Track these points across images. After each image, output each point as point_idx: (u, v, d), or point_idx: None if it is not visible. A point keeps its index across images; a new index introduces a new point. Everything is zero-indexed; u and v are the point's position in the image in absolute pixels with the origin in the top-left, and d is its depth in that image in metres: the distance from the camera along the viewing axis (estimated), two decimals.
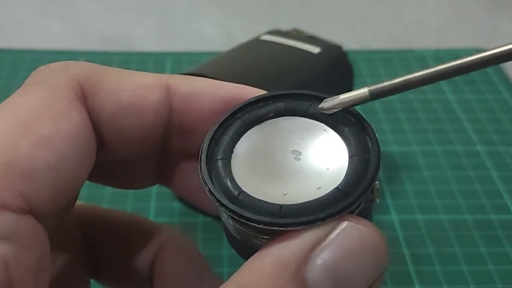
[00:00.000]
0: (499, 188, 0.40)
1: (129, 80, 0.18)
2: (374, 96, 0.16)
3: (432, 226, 0.37)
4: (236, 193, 0.17)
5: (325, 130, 0.18)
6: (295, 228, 0.16)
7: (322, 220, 0.16)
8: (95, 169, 0.19)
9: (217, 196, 0.16)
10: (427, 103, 0.48)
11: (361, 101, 0.17)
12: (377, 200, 0.17)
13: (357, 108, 0.51)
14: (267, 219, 0.16)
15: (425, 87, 0.56)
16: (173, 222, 0.37)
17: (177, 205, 0.38)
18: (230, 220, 0.18)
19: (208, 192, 0.17)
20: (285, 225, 0.16)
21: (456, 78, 0.54)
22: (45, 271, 0.16)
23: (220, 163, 0.17)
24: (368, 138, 0.17)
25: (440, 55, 0.54)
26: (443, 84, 0.50)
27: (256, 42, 0.38)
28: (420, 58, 0.54)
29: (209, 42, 0.58)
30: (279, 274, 0.15)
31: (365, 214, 0.17)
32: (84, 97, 0.17)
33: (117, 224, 0.24)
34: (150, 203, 0.38)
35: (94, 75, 0.18)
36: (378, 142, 0.17)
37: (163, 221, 0.37)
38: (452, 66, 0.16)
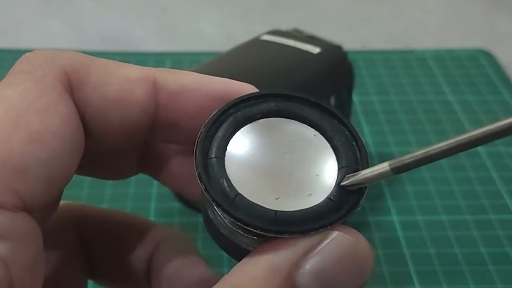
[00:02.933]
0: (499, 188, 0.40)
1: (116, 73, 0.18)
2: (396, 170, 0.16)
3: (432, 227, 0.37)
4: (232, 195, 0.17)
5: (315, 135, 0.18)
6: (289, 236, 0.16)
7: (316, 230, 0.16)
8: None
9: (214, 196, 0.17)
10: (428, 104, 0.48)
11: (383, 176, 0.16)
12: (359, 208, 0.18)
13: (356, 109, 0.51)
14: (264, 225, 0.16)
15: (425, 87, 0.56)
16: (173, 222, 0.37)
17: (177, 205, 0.38)
18: (219, 217, 0.18)
19: (204, 191, 0.17)
20: (281, 232, 0.16)
21: (456, 78, 0.54)
22: (40, 267, 0.16)
23: (214, 161, 0.17)
24: (357, 148, 0.18)
25: (440, 55, 0.54)
26: (444, 85, 0.50)
27: (256, 42, 0.38)
28: (420, 58, 0.54)
29: (209, 42, 0.58)
30: (271, 280, 0.15)
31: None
32: (71, 88, 0.17)
33: (112, 224, 0.24)
34: (150, 203, 0.38)
35: (81, 66, 0.18)
36: (367, 152, 0.18)
37: (163, 221, 0.37)
38: (477, 134, 0.15)
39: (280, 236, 0.16)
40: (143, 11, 0.63)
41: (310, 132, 0.18)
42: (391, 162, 0.16)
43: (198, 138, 0.18)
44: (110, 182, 0.40)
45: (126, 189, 0.39)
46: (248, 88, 0.19)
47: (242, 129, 0.18)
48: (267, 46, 0.37)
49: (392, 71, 0.52)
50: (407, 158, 0.16)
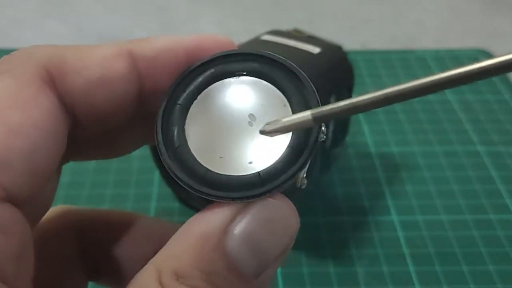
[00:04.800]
0: (499, 188, 0.40)
1: (92, 55, 0.18)
2: (317, 119, 0.16)
3: (432, 227, 0.37)
4: (177, 144, 0.17)
5: (285, 105, 0.18)
6: (213, 199, 0.17)
7: (239, 200, 0.17)
8: (78, 148, 0.19)
9: (159, 141, 0.17)
10: (428, 103, 0.48)
11: (304, 125, 0.17)
12: (302, 187, 0.18)
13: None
14: (190, 183, 0.17)
15: None
16: (173, 222, 0.37)
17: (177, 205, 0.38)
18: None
19: (155, 139, 0.17)
20: (206, 194, 0.17)
21: None
22: (26, 258, 0.16)
23: (178, 108, 0.18)
24: (313, 133, 0.18)
25: (440, 55, 0.54)
26: None
27: (256, 42, 0.38)
28: (420, 58, 0.54)
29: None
30: (203, 246, 0.17)
31: (287, 194, 0.18)
32: (53, 80, 0.18)
33: (113, 224, 0.24)
34: (151, 203, 0.38)
35: (58, 56, 0.18)
36: (317, 141, 0.17)
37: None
38: (405, 88, 0.15)
39: (206, 197, 0.17)
40: (143, 11, 0.63)
41: (281, 101, 0.18)
42: (313, 110, 0.16)
43: (173, 82, 0.18)
44: (111, 182, 0.40)
45: (127, 189, 0.39)
46: (225, 41, 0.19)
47: (219, 82, 0.18)
48: (267, 46, 0.37)
49: (392, 71, 0.52)
50: (332, 106, 0.16)
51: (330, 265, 0.35)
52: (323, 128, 0.17)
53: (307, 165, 0.17)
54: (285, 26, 0.41)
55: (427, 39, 0.59)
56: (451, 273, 0.34)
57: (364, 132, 0.45)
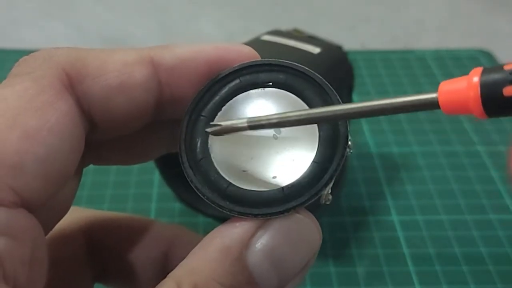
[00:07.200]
0: (499, 188, 0.40)
1: (113, 60, 0.18)
2: (251, 127, 0.17)
3: (432, 227, 0.37)
4: (200, 156, 0.17)
5: None
6: (235, 215, 0.17)
7: (262, 216, 0.17)
8: (98, 152, 0.19)
9: (181, 151, 0.17)
10: None
11: (240, 129, 0.17)
12: (327, 203, 0.18)
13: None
14: (212, 197, 0.17)
15: (425, 87, 0.56)
16: (174, 222, 0.37)
17: (177, 205, 0.38)
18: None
19: (178, 150, 0.17)
20: (228, 210, 0.17)
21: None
22: (39, 262, 0.16)
23: (202, 120, 0.18)
24: (342, 149, 0.17)
25: (440, 55, 0.54)
26: None
27: (256, 42, 0.38)
28: (420, 58, 0.54)
29: (209, 42, 0.58)
30: (223, 260, 0.16)
31: (310, 209, 0.17)
32: (72, 84, 0.17)
33: (123, 227, 0.24)
34: (151, 204, 0.38)
35: (78, 59, 0.18)
36: (344, 156, 0.17)
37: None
38: (330, 111, 0.16)
39: (228, 213, 0.17)
40: (143, 11, 0.63)
41: None
42: (250, 119, 0.17)
43: (198, 94, 0.18)
44: (110, 182, 0.40)
45: (127, 189, 0.39)
46: (248, 52, 0.19)
47: (244, 94, 0.18)
48: (267, 46, 0.37)
49: (392, 71, 0.52)
50: (264, 120, 0.17)
51: (330, 265, 0.35)
52: (349, 142, 0.17)
53: (333, 181, 0.17)
54: (285, 26, 0.41)
55: (427, 39, 0.59)
56: (451, 273, 0.34)
57: (364, 132, 0.45)
